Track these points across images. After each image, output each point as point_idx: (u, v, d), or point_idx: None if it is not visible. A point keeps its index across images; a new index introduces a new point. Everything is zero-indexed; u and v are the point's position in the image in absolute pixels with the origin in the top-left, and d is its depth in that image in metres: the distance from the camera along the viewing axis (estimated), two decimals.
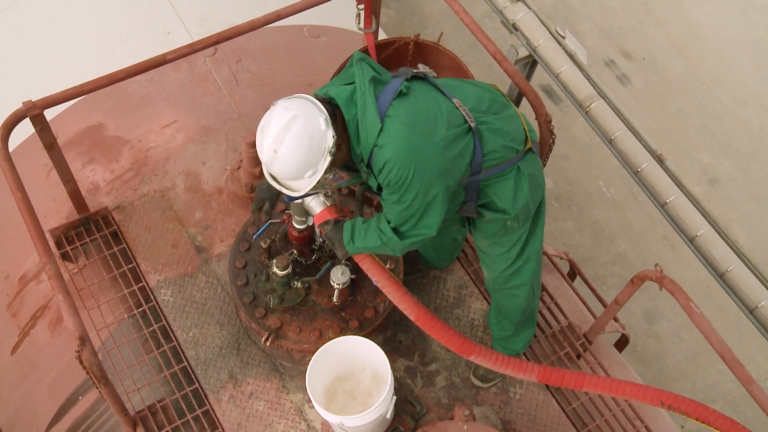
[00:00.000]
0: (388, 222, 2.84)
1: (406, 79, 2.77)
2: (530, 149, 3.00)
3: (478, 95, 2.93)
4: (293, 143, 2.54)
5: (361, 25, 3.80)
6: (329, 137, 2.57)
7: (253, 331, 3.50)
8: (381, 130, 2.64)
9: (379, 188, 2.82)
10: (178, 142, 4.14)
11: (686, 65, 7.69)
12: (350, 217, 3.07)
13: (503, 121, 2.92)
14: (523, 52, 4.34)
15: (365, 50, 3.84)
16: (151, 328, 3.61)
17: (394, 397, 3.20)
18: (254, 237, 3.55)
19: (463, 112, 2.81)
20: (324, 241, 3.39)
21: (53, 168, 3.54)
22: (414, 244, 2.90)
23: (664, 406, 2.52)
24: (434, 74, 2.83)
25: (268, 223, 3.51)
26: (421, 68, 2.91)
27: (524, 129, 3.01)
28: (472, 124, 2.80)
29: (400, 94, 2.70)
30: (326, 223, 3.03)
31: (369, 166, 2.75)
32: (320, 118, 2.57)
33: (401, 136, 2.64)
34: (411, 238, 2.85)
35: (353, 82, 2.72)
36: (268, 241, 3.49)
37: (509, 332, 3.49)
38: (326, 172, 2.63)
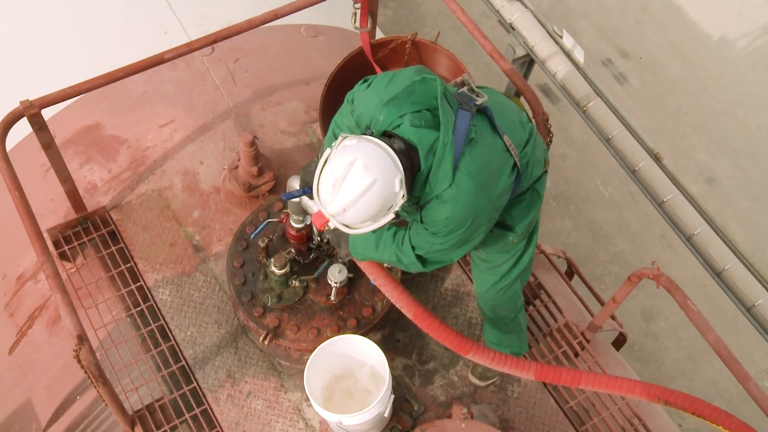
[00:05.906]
0: (413, 247, 2.78)
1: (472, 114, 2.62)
2: (546, 171, 2.99)
3: (519, 124, 2.83)
4: (365, 206, 2.43)
5: (357, 24, 3.80)
6: (399, 198, 2.45)
7: (251, 330, 3.50)
8: (450, 185, 2.54)
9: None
10: (176, 142, 4.14)
11: (683, 64, 7.70)
12: None
13: (534, 150, 2.86)
14: (521, 51, 4.34)
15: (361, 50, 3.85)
16: (149, 328, 3.61)
17: (392, 396, 3.20)
18: (252, 236, 3.55)
19: (513, 154, 2.72)
20: (325, 240, 3.39)
21: (51, 167, 3.54)
22: (432, 269, 2.90)
23: (660, 401, 2.53)
24: (485, 97, 2.69)
25: (266, 222, 3.52)
26: (467, 84, 2.71)
27: (544, 151, 2.99)
28: (518, 165, 2.75)
29: (471, 141, 2.57)
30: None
31: (421, 206, 2.66)
32: (396, 179, 2.43)
33: (468, 195, 2.55)
34: (434, 264, 2.85)
35: (419, 110, 2.53)
36: (266, 240, 3.49)
37: (496, 342, 3.51)
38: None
